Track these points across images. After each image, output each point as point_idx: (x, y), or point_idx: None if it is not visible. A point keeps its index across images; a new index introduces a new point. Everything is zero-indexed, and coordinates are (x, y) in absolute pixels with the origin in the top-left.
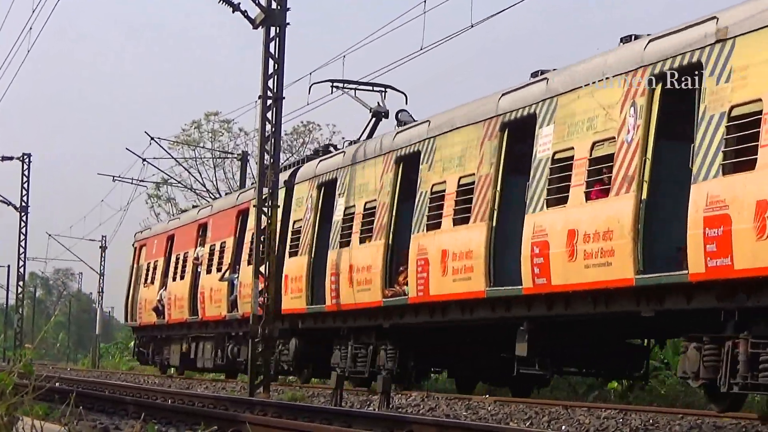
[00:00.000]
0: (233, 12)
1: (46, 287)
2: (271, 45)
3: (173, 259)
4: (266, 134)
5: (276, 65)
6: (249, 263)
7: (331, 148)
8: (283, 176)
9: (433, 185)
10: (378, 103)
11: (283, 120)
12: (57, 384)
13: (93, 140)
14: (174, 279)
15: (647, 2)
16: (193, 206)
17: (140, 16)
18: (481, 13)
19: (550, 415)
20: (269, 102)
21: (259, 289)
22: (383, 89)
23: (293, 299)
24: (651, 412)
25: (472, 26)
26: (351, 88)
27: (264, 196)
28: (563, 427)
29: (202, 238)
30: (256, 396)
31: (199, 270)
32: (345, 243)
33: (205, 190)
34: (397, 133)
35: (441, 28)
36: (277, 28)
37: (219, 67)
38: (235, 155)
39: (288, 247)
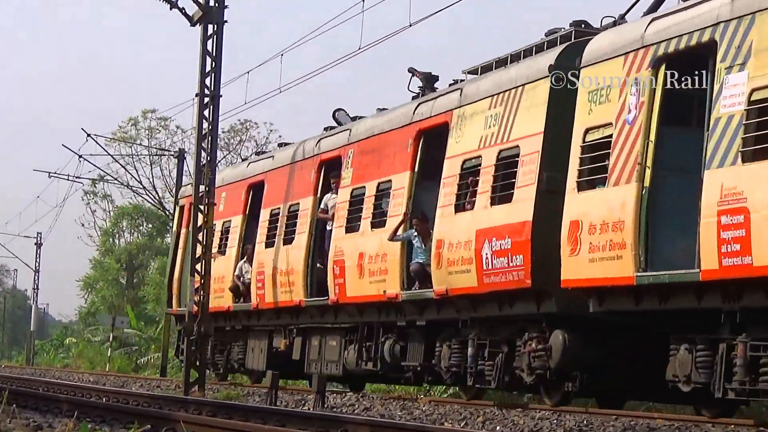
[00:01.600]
0: (171, 9)
1: None
2: (209, 43)
3: (265, 216)
4: (203, 132)
5: (213, 63)
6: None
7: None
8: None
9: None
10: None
11: (220, 118)
12: None
13: (28, 136)
14: (269, 245)
15: None
16: (283, 144)
17: (75, 12)
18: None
19: (485, 415)
20: (206, 100)
21: (195, 287)
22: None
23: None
24: (585, 414)
25: (410, 25)
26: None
27: (201, 194)
28: (498, 428)
29: (334, 180)
30: (191, 394)
31: (329, 228)
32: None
33: (141, 187)
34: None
35: (379, 28)
36: (215, 26)
37: (156, 64)
38: (172, 152)
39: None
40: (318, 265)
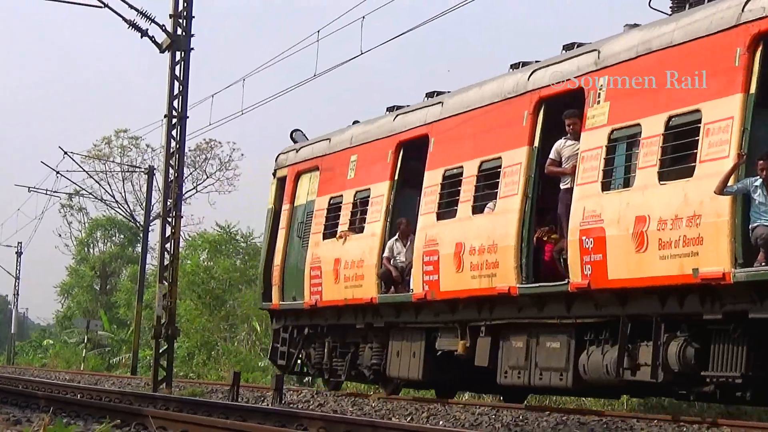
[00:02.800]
0: (141, 37)
1: None
2: (177, 68)
3: (435, 179)
4: (171, 150)
5: (181, 87)
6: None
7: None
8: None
9: None
10: None
11: (187, 137)
12: None
13: (9, 153)
14: (444, 215)
15: None
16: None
17: (56, 39)
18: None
19: (429, 411)
20: (174, 121)
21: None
22: None
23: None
24: (521, 410)
25: (362, 53)
26: None
27: (168, 208)
28: (440, 423)
29: (572, 121)
30: (159, 391)
31: (563, 186)
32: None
33: (114, 201)
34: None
35: (334, 55)
36: (182, 53)
37: (128, 86)
38: (143, 169)
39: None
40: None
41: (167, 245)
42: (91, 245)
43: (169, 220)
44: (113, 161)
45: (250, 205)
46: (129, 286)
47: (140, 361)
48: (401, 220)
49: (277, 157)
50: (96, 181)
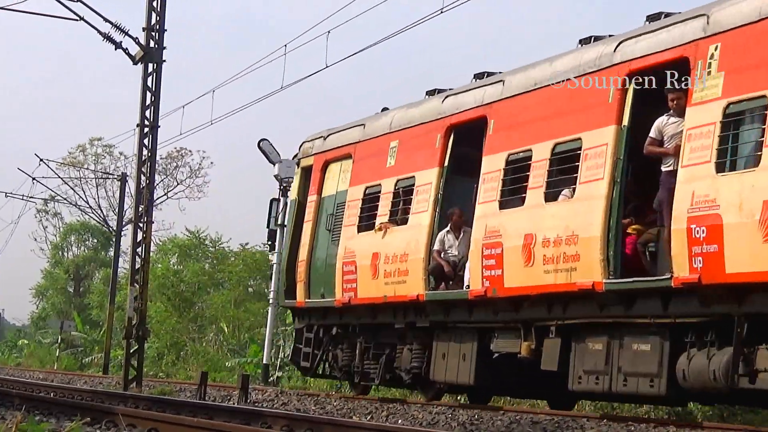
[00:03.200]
0: (116, 49)
1: None
2: (149, 79)
3: (496, 164)
4: (143, 158)
5: (153, 97)
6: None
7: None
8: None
9: None
10: None
11: (158, 146)
12: None
13: None
14: (508, 204)
15: None
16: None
17: (36, 48)
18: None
19: (388, 410)
20: (146, 130)
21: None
22: None
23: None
24: (477, 410)
25: (327, 66)
26: None
27: (140, 213)
28: (399, 421)
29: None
30: (129, 390)
31: (665, 168)
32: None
33: (88, 206)
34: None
35: (300, 68)
36: (155, 65)
37: (103, 96)
38: (116, 176)
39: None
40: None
41: (139, 249)
42: (66, 249)
43: (141, 225)
44: (87, 168)
45: (219, 211)
46: (101, 289)
47: (112, 361)
48: (453, 210)
49: (302, 145)
50: (71, 188)
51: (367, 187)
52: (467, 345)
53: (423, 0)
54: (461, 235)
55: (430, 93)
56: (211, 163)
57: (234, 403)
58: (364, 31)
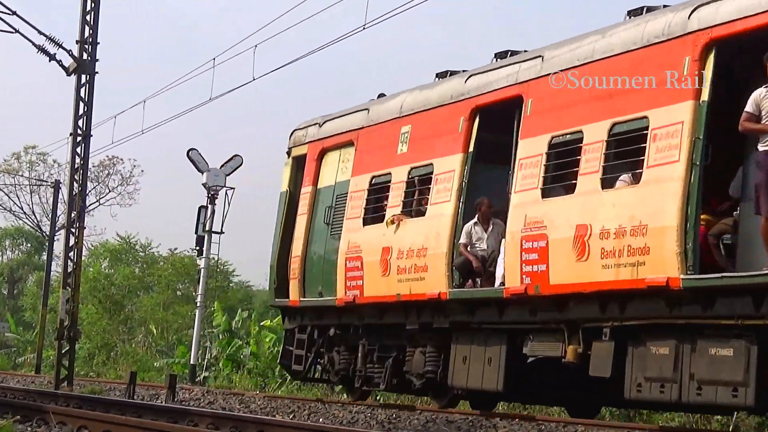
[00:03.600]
0: (50, 61)
1: None
2: (82, 90)
3: (535, 148)
4: (76, 166)
5: (86, 107)
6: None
7: None
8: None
9: None
10: None
11: (90, 154)
12: None
13: None
14: (552, 192)
15: None
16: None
17: None
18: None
19: (310, 409)
20: (79, 138)
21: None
22: None
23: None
24: (394, 409)
25: (254, 79)
26: None
27: (72, 219)
28: (320, 420)
29: None
30: (61, 389)
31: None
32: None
33: (22, 212)
34: None
35: (227, 80)
36: (87, 76)
37: (37, 105)
38: (49, 183)
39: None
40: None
41: (71, 254)
42: (0, 253)
43: (73, 230)
44: (22, 175)
45: (150, 217)
46: (35, 291)
47: (44, 361)
48: (482, 200)
49: (293, 133)
50: (5, 194)
51: (373, 177)
52: (494, 348)
53: (348, 16)
54: (490, 227)
55: (441, 75)
56: (142, 171)
57: (162, 402)
58: (291, 45)
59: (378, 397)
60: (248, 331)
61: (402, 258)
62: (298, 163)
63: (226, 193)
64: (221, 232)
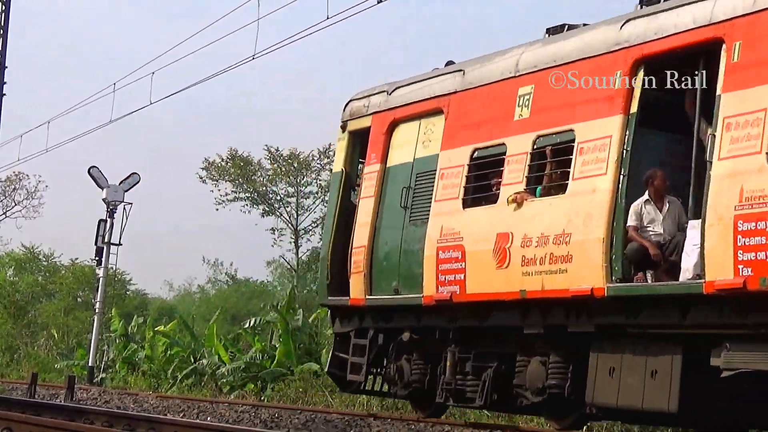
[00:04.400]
0: None
1: None
2: None
3: (743, 105)
4: None
5: None
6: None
7: None
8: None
9: None
10: None
11: None
12: None
13: None
14: None
15: None
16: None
17: None
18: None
19: (199, 408)
20: None
21: None
22: None
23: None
24: (277, 409)
25: (151, 103)
26: None
27: None
28: (208, 418)
29: None
30: None
31: None
32: None
33: None
34: None
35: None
36: None
37: None
38: None
39: None
40: None
41: None
42: None
43: None
44: None
45: (53, 229)
46: None
47: None
48: (653, 171)
49: (348, 104)
50: None
51: (476, 149)
52: (663, 358)
53: (239, 47)
54: (665, 206)
55: (555, 30)
56: (46, 186)
57: (61, 401)
58: (187, 72)
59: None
60: (143, 335)
61: (529, 246)
62: (357, 138)
63: (124, 208)
64: (119, 244)
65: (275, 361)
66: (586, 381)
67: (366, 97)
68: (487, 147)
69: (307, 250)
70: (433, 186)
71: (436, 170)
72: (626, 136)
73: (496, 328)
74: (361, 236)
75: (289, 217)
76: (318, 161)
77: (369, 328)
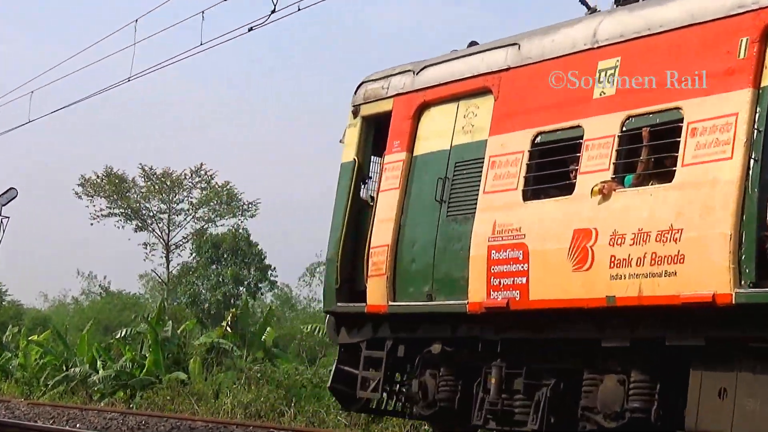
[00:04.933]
0: None
1: None
2: None
3: None
4: None
5: None
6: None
7: None
8: None
9: None
10: None
11: None
12: None
13: None
14: None
15: None
16: None
17: None
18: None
19: (69, 415)
20: None
21: None
22: None
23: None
24: (144, 416)
25: (30, 121)
26: None
27: None
28: (78, 425)
29: None
30: None
31: None
32: None
33: None
34: None
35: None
36: None
37: None
38: None
39: None
40: None
41: None
42: None
43: None
44: None
45: None
46: None
47: None
48: None
49: (361, 86)
50: None
51: (539, 133)
52: None
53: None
54: None
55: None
56: None
57: None
58: (67, 92)
59: None
60: (17, 344)
61: (621, 244)
62: (372, 123)
63: (1, 222)
64: None
65: (144, 370)
66: (681, 404)
67: (384, 78)
68: (555, 131)
69: (177, 264)
70: (480, 176)
71: (483, 158)
72: (757, 114)
73: (556, 341)
74: (382, 234)
75: (161, 233)
76: (189, 180)
77: (386, 339)
